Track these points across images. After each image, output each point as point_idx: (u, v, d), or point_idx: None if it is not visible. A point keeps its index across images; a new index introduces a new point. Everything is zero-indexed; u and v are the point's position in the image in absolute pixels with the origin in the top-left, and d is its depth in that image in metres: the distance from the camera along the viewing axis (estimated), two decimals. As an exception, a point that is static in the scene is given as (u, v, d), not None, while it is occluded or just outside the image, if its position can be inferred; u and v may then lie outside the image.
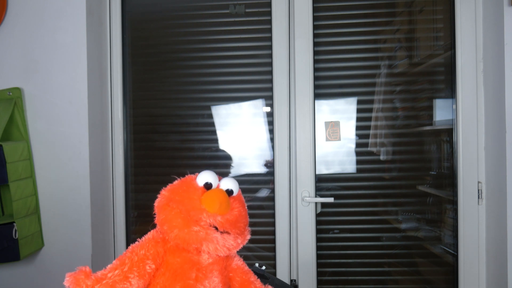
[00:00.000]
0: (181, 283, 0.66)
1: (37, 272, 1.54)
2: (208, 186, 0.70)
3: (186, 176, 0.74)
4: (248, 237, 0.73)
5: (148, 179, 1.79)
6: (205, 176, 0.70)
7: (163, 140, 1.77)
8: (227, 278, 0.74)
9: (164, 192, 0.71)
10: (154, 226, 0.74)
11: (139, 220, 1.78)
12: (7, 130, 1.46)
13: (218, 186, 0.72)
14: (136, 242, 0.70)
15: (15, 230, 1.38)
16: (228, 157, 1.73)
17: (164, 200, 0.69)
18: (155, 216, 0.70)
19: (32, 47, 1.53)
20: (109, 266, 0.66)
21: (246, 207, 0.76)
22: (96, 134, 1.61)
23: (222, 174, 1.80)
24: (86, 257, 1.54)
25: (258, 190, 1.72)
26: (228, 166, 1.74)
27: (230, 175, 1.74)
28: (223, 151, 1.74)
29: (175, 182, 0.73)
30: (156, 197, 0.74)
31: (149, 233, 0.72)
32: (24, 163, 1.46)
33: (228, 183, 0.72)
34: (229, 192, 0.73)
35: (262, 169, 1.72)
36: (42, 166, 1.53)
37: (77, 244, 1.54)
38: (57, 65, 1.53)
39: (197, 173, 0.74)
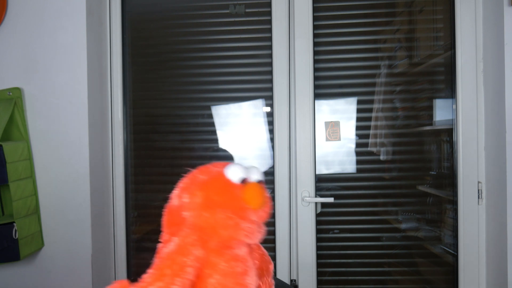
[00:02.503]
0: (232, 279, 0.64)
1: (37, 272, 1.54)
2: (244, 181, 0.65)
3: (207, 168, 0.67)
4: None
5: (148, 179, 1.79)
6: (239, 171, 0.65)
7: (163, 140, 1.77)
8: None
9: (198, 192, 0.64)
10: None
11: (139, 220, 1.78)
12: (7, 130, 1.46)
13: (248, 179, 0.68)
14: (169, 247, 0.63)
15: (15, 230, 1.38)
16: (230, 157, 1.73)
17: (202, 200, 0.63)
18: (187, 215, 0.64)
19: (32, 47, 1.53)
20: (146, 276, 0.61)
21: None
22: (96, 134, 1.61)
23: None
24: (86, 257, 1.54)
25: None
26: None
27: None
28: (224, 150, 1.74)
29: (204, 178, 0.65)
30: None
31: (181, 236, 0.64)
32: (24, 163, 1.46)
33: (258, 174, 0.67)
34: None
35: (262, 169, 1.72)
36: (42, 166, 1.53)
37: (77, 244, 1.54)
38: (57, 65, 1.53)
39: (216, 164, 0.68)
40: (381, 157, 1.68)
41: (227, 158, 1.73)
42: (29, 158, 1.49)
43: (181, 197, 0.66)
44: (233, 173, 0.64)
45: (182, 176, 0.72)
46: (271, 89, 1.69)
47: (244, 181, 0.65)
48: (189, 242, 0.63)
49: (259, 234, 0.65)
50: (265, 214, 0.66)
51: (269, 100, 1.70)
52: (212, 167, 0.67)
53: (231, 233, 0.62)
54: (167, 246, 0.63)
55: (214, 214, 0.62)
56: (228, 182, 0.64)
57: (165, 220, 0.69)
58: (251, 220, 0.63)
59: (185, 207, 0.64)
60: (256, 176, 0.66)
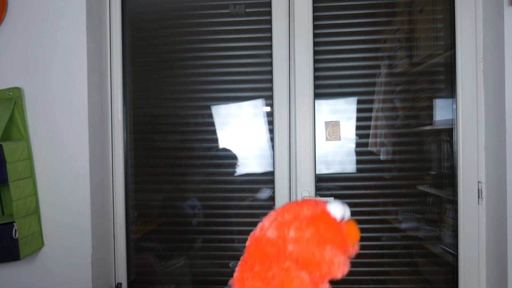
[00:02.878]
0: None
1: (37, 272, 1.54)
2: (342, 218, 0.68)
3: (306, 203, 0.68)
4: None
5: (148, 179, 1.79)
6: (342, 209, 0.67)
7: (163, 140, 1.77)
8: None
9: (307, 227, 0.64)
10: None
11: (139, 220, 1.78)
12: (7, 130, 1.46)
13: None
14: (282, 278, 0.62)
15: (15, 230, 1.38)
16: (233, 156, 1.73)
17: (312, 235, 0.63)
18: (292, 248, 0.63)
19: (32, 47, 1.53)
20: None
21: None
22: (96, 134, 1.61)
23: (227, 174, 1.79)
24: (86, 257, 1.54)
25: (259, 190, 1.72)
26: (234, 165, 1.74)
27: (236, 174, 1.74)
28: (228, 150, 1.74)
29: (309, 214, 0.66)
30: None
31: (287, 269, 0.63)
32: (24, 163, 1.46)
33: (349, 211, 0.69)
34: None
35: (262, 169, 1.72)
36: (42, 166, 1.53)
37: (77, 244, 1.54)
38: (57, 65, 1.53)
39: (309, 200, 0.70)
40: (381, 157, 1.68)
41: (231, 157, 1.73)
42: (29, 158, 1.49)
43: (280, 230, 0.65)
44: (337, 211, 0.66)
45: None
46: (271, 89, 1.69)
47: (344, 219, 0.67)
48: (296, 275, 0.63)
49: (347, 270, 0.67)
50: (356, 250, 0.67)
51: (269, 100, 1.70)
52: (311, 203, 0.69)
53: (332, 270, 0.63)
54: (274, 277, 0.63)
55: (322, 250, 0.63)
56: (334, 219, 0.66)
57: (252, 251, 0.68)
58: (348, 257, 0.65)
59: (290, 241, 0.64)
60: (349, 213, 0.68)
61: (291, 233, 0.64)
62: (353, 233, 0.66)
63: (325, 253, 0.63)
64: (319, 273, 0.63)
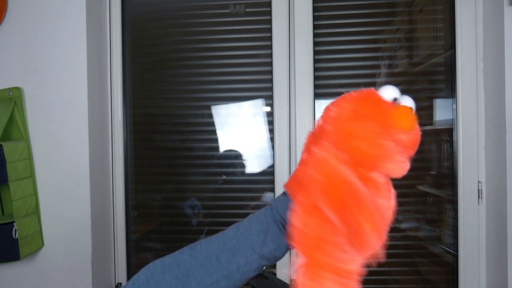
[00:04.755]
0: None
1: (37, 272, 1.54)
2: (395, 101, 0.60)
3: (361, 90, 0.63)
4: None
5: (148, 179, 1.79)
6: (393, 91, 0.60)
7: (163, 140, 1.77)
8: None
9: (346, 104, 0.58)
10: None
11: (139, 220, 1.78)
12: (7, 130, 1.46)
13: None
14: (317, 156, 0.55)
15: (15, 230, 1.38)
16: (239, 156, 1.73)
17: (349, 112, 0.57)
18: (329, 128, 0.57)
19: (32, 47, 1.53)
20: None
21: None
22: (96, 134, 1.60)
23: (229, 174, 1.79)
24: (86, 257, 1.54)
25: (261, 197, 1.72)
26: (240, 165, 1.73)
27: (244, 173, 1.74)
28: (233, 150, 1.73)
29: (355, 94, 0.61)
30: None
31: (321, 148, 0.57)
32: (24, 162, 1.46)
33: (410, 102, 0.61)
34: None
35: (262, 169, 1.72)
36: (42, 166, 1.53)
37: (77, 244, 1.54)
38: (57, 64, 1.53)
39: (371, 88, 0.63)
40: (381, 157, 1.68)
41: (236, 157, 1.73)
42: (29, 158, 1.49)
43: (325, 112, 0.60)
44: (386, 91, 0.59)
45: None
46: (271, 89, 1.69)
47: (396, 103, 0.59)
48: (331, 154, 0.56)
49: (403, 164, 0.57)
50: (413, 142, 0.59)
51: (269, 100, 1.70)
52: (367, 90, 0.63)
53: (378, 154, 0.55)
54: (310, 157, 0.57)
55: (361, 129, 0.56)
56: (379, 98, 0.59)
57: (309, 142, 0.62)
58: (396, 140, 0.56)
59: (329, 121, 0.58)
60: (407, 102, 0.60)
61: (332, 113, 0.59)
62: (403, 115, 0.57)
63: (364, 131, 0.55)
64: (366, 159, 0.56)
